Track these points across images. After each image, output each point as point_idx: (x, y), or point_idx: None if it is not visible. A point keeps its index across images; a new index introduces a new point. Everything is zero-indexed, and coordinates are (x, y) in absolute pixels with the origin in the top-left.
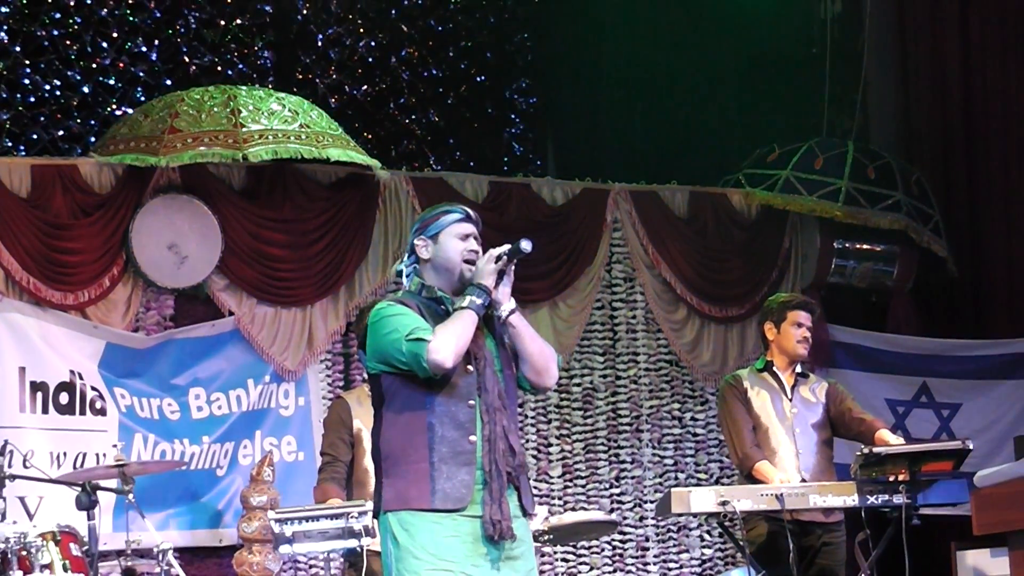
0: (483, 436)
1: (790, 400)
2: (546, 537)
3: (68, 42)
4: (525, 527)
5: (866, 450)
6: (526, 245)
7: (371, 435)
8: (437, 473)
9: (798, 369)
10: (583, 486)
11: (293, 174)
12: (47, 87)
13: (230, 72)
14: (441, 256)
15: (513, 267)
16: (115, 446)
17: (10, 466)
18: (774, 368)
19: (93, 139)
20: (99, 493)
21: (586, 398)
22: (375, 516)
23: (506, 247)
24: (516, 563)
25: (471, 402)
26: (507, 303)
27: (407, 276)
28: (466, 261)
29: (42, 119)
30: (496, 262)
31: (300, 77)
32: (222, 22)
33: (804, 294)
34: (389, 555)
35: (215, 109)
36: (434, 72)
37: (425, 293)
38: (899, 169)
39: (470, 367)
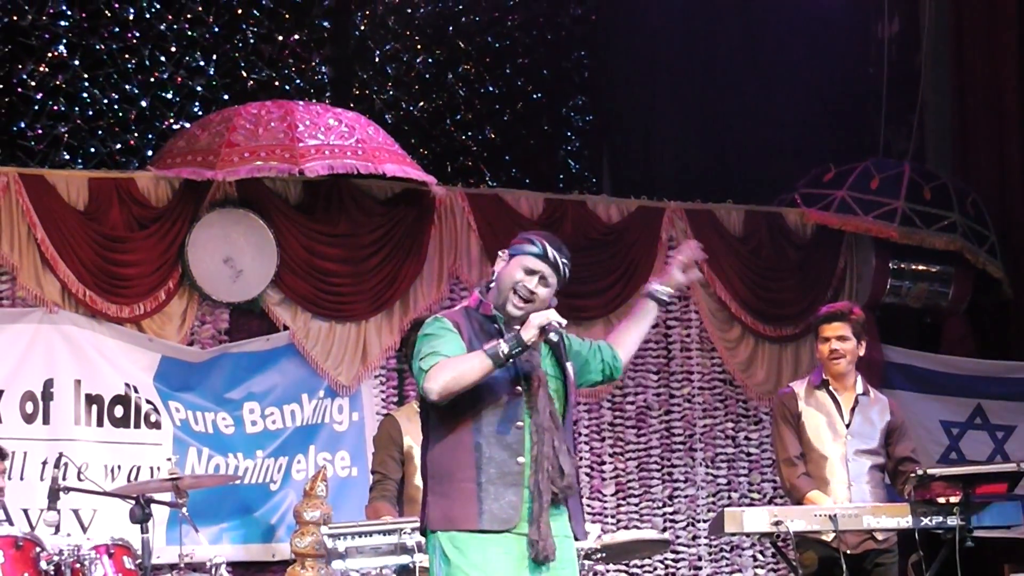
0: (531, 457)
1: (847, 425)
2: (599, 555)
3: (126, 56)
4: (571, 548)
5: (920, 471)
6: (554, 336)
7: (420, 452)
8: (484, 494)
9: (859, 389)
10: (636, 504)
11: (349, 189)
12: (105, 100)
13: (287, 87)
14: (503, 276)
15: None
16: (169, 459)
17: (64, 479)
18: (831, 388)
19: (150, 152)
20: (153, 506)
21: (640, 416)
22: (422, 533)
23: (556, 320)
24: None
25: (519, 424)
26: (667, 289)
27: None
28: (515, 292)
29: (100, 132)
30: (542, 325)
31: (357, 92)
32: (280, 37)
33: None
34: (439, 573)
35: (272, 124)
36: (490, 89)
37: (482, 308)
38: (955, 190)
39: (519, 388)
